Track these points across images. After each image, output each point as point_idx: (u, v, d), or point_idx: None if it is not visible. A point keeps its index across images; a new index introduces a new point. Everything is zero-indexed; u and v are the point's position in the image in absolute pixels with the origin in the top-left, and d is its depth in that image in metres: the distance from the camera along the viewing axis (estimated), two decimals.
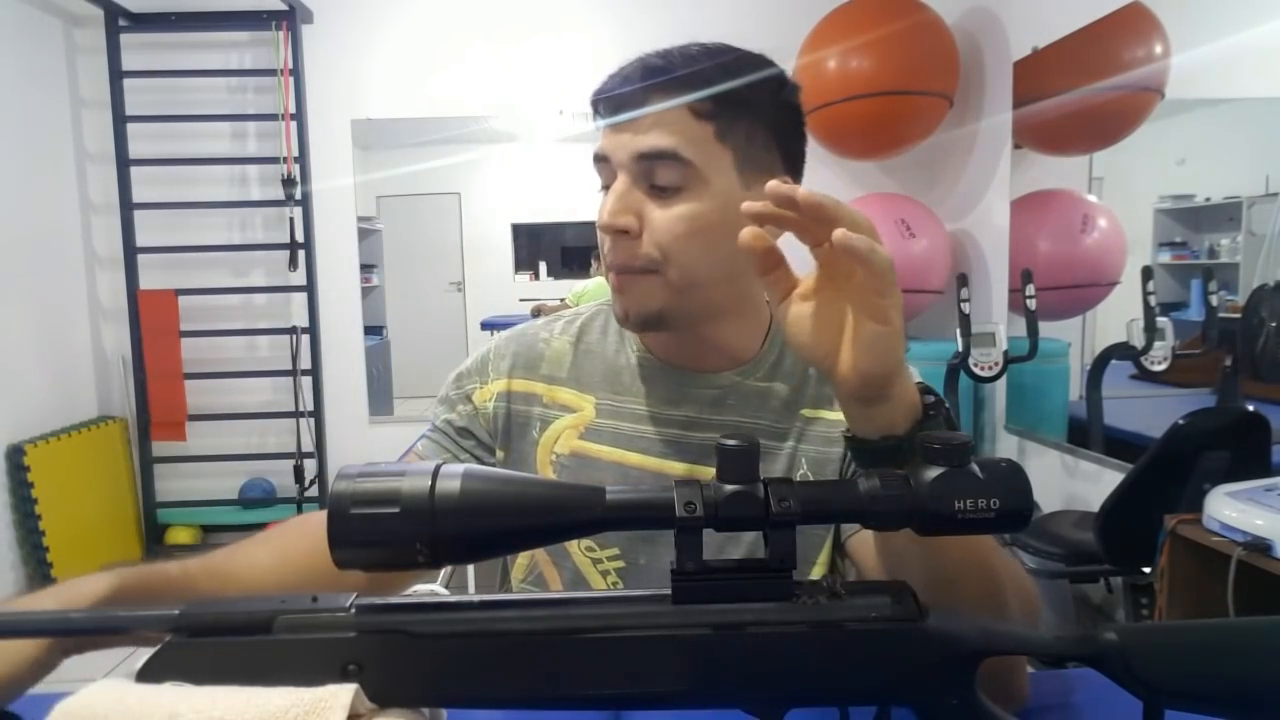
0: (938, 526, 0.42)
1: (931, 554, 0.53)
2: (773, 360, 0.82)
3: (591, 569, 0.80)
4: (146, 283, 3.50)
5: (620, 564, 0.80)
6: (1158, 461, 1.77)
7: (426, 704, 0.42)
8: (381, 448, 3.48)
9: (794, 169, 0.78)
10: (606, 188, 0.75)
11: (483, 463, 0.83)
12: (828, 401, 0.81)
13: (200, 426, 3.55)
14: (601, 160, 0.76)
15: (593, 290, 4.49)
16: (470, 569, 2.20)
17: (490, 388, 0.84)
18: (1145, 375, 2.37)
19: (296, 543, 0.71)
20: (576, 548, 0.81)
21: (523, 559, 0.86)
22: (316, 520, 0.72)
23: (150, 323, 3.47)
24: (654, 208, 0.72)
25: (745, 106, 0.73)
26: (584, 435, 0.81)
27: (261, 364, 3.62)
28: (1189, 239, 2.59)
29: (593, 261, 5.03)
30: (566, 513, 0.42)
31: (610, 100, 0.74)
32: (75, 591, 0.56)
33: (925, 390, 0.54)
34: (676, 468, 0.79)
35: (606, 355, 0.84)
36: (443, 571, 1.86)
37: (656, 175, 0.72)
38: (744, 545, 0.77)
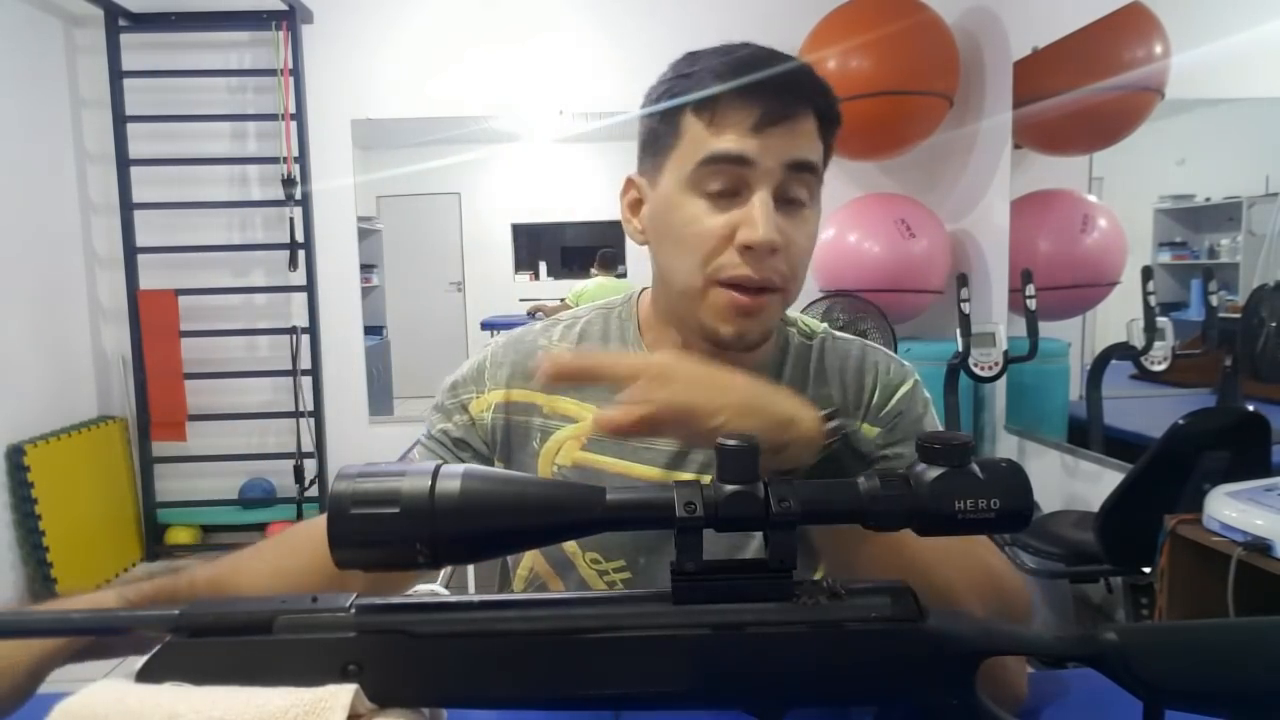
0: (938, 526, 0.42)
1: (922, 567, 0.54)
2: (777, 365, 0.82)
3: (598, 581, 0.79)
4: (146, 283, 3.49)
5: (626, 575, 0.79)
6: (1158, 461, 1.77)
7: (426, 704, 0.42)
8: (381, 448, 3.49)
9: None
10: (723, 193, 0.69)
11: None
12: (827, 403, 0.80)
13: (200, 426, 3.55)
14: (737, 162, 0.68)
15: (592, 290, 4.49)
16: (470, 569, 2.19)
17: (487, 398, 0.81)
18: (1145, 375, 2.37)
19: (298, 551, 0.69)
20: (583, 560, 0.79)
21: (523, 571, 0.85)
22: (318, 529, 0.71)
23: (150, 323, 3.47)
24: (785, 222, 0.69)
25: (834, 130, 0.73)
26: (587, 446, 0.79)
27: (261, 364, 3.62)
28: (1189, 239, 2.58)
29: (594, 269, 5.03)
30: (566, 513, 0.42)
31: (766, 97, 0.67)
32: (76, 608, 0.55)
33: (829, 416, 0.56)
34: (683, 479, 0.78)
35: None
36: (443, 571, 1.86)
37: (793, 189, 0.69)
38: (752, 550, 0.77)
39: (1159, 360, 2.35)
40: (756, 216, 0.67)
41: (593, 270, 5.08)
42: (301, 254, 3.53)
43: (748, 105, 0.67)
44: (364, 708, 0.39)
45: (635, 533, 0.77)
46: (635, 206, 0.78)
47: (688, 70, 0.72)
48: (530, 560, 0.84)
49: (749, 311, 0.70)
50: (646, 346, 0.82)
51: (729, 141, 0.68)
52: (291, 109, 3.45)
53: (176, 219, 3.51)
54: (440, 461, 0.83)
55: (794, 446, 0.54)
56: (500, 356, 0.83)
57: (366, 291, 3.90)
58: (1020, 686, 0.60)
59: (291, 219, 3.51)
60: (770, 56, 0.70)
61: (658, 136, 0.74)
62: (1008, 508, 0.42)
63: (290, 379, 3.59)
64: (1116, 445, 2.47)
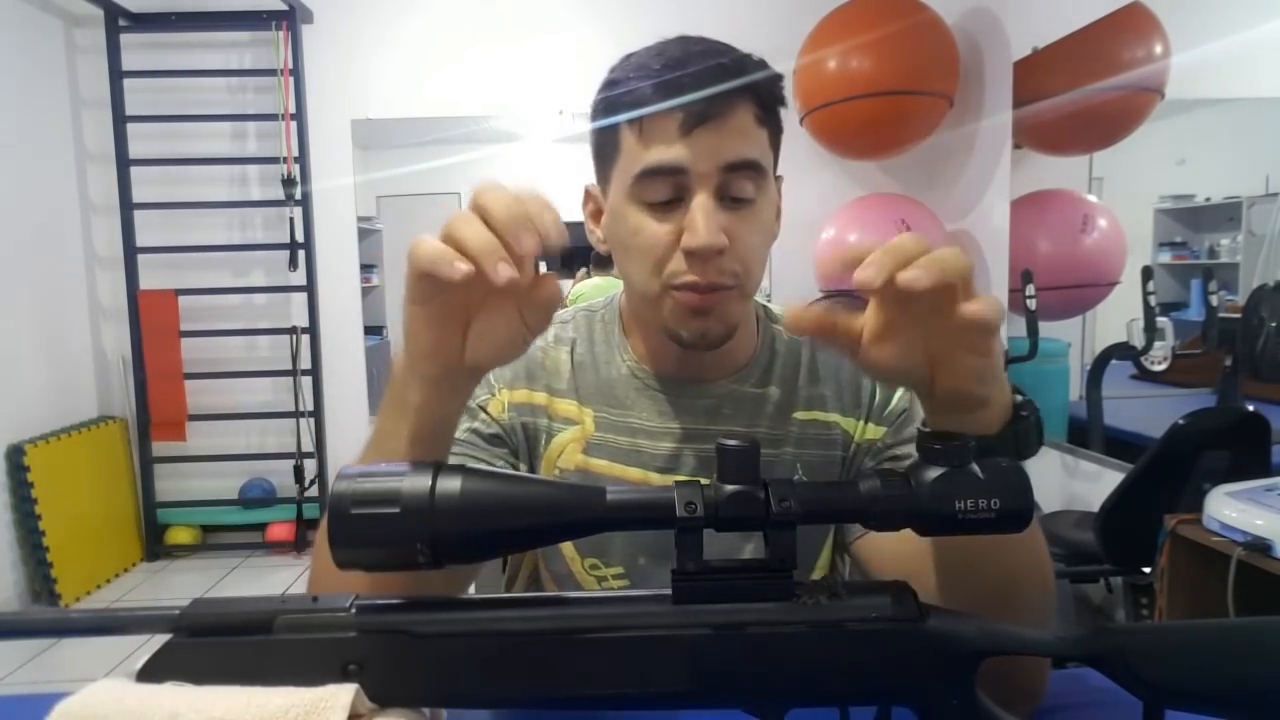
0: (938, 527, 0.42)
1: (1002, 557, 0.54)
2: (765, 364, 0.81)
3: (596, 587, 0.79)
4: (146, 283, 3.49)
5: (625, 582, 0.79)
6: (1158, 461, 1.77)
7: (427, 704, 0.42)
8: None
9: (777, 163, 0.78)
10: (668, 202, 0.69)
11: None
12: (821, 402, 0.80)
13: (200, 426, 3.55)
14: (672, 173, 0.68)
15: (589, 291, 4.48)
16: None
17: (499, 399, 0.81)
18: (1145, 375, 2.37)
19: None
20: (580, 566, 0.79)
21: (522, 580, 0.86)
22: None
23: (150, 323, 3.47)
24: (731, 220, 0.69)
25: (779, 108, 0.73)
26: (586, 450, 0.80)
27: (261, 364, 3.61)
28: (1189, 239, 2.59)
29: (590, 269, 5.01)
30: (566, 513, 0.42)
31: (689, 102, 0.67)
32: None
33: (1015, 389, 0.52)
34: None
35: (599, 367, 0.82)
36: None
37: (734, 187, 0.69)
38: (748, 550, 0.77)
39: (1159, 360, 2.35)
40: (698, 221, 0.67)
41: (590, 270, 5.07)
42: (301, 254, 3.53)
43: (673, 111, 0.67)
44: (364, 708, 0.39)
45: (635, 538, 0.78)
46: (597, 216, 0.79)
47: (616, 78, 0.72)
48: (531, 561, 0.84)
49: (704, 309, 0.71)
50: (631, 347, 0.82)
51: (659, 153, 0.68)
52: (291, 109, 3.45)
53: (176, 219, 3.51)
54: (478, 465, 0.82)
55: (990, 409, 0.50)
56: None
57: (366, 291, 3.90)
58: (1040, 682, 0.60)
59: (291, 219, 3.51)
60: (691, 55, 0.69)
61: (601, 148, 0.75)
62: (1008, 508, 0.42)
63: (290, 379, 3.58)
64: (1116, 445, 2.47)
